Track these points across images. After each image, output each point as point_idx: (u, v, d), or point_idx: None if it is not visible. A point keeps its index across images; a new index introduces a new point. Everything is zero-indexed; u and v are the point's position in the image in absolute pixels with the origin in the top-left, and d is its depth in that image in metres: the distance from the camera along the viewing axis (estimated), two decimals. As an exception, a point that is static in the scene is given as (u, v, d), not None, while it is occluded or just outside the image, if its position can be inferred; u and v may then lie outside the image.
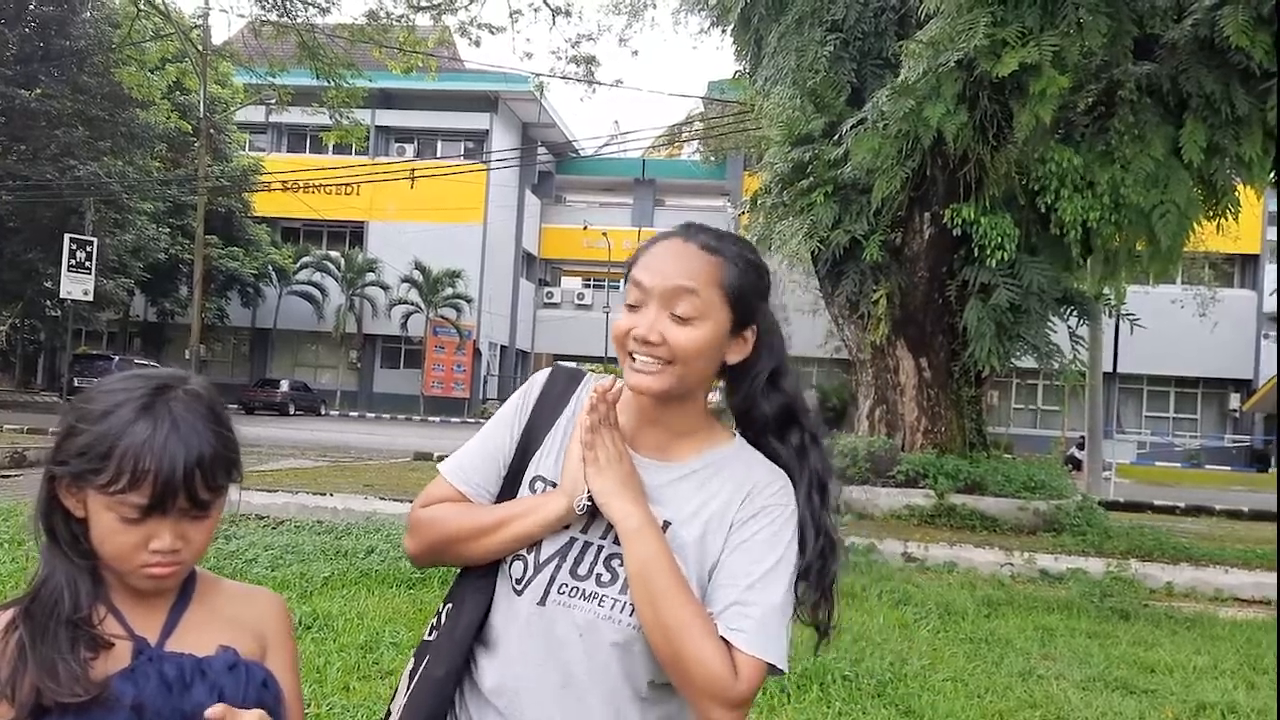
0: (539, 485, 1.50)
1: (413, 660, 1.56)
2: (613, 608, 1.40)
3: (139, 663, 1.27)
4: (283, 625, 1.43)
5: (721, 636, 1.35)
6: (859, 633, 6.15)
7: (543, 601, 1.42)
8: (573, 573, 1.43)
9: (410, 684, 1.52)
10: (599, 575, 1.42)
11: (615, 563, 1.42)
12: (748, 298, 1.46)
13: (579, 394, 1.57)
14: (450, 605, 1.54)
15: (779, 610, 1.39)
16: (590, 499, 1.42)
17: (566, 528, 1.45)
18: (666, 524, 1.43)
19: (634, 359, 1.43)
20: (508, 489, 1.53)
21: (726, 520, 1.44)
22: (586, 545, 1.44)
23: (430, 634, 1.56)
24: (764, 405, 1.52)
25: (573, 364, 1.67)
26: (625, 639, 1.40)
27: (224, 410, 1.33)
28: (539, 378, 1.61)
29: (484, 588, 1.50)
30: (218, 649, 1.31)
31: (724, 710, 1.32)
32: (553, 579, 1.43)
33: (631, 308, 1.45)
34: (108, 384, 1.30)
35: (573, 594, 1.41)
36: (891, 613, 6.84)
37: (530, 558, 1.44)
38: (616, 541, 1.41)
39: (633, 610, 1.38)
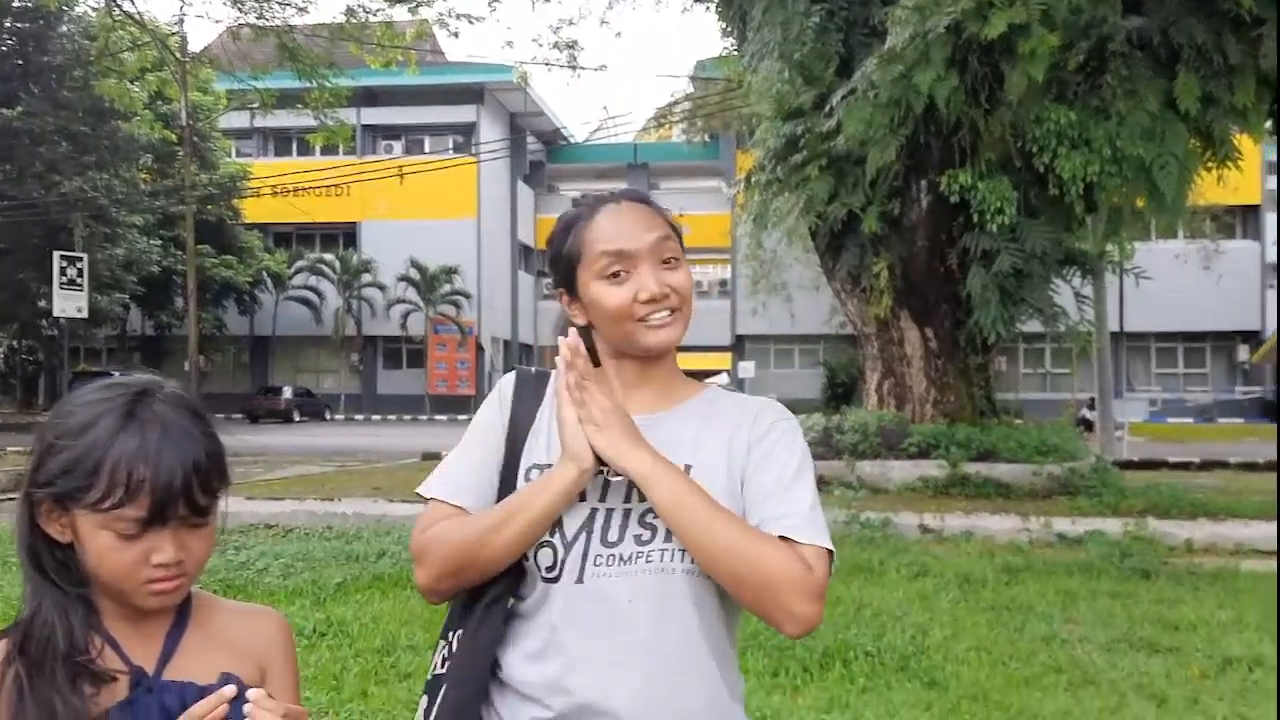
0: (535, 474, 1.46)
1: (425, 698, 1.47)
2: (662, 558, 1.37)
3: (137, 694, 1.20)
4: (284, 646, 1.37)
5: (780, 536, 1.35)
6: (879, 607, 6.09)
7: (580, 579, 1.38)
8: (604, 541, 1.39)
9: None
10: (638, 535, 1.39)
11: (650, 517, 1.39)
12: (680, 233, 1.53)
13: (553, 381, 1.53)
14: (460, 631, 1.46)
15: (816, 506, 1.42)
16: (604, 466, 1.39)
17: (583, 499, 1.41)
18: (687, 467, 1.42)
19: (645, 321, 1.44)
20: (505, 490, 1.47)
21: (741, 443, 1.45)
22: (610, 512, 1.41)
23: (441, 667, 1.47)
24: None
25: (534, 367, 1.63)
26: (679, 588, 1.37)
27: (207, 412, 1.27)
28: (507, 378, 1.60)
29: (500, 598, 1.44)
30: (220, 676, 1.22)
31: (809, 602, 1.32)
32: (586, 554, 1.39)
33: (615, 277, 1.45)
34: (82, 396, 1.23)
35: (611, 562, 1.38)
36: (911, 585, 6.78)
37: (556, 540, 1.39)
38: (642, 499, 1.39)
39: (683, 555, 1.36)
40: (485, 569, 1.41)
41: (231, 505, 8.99)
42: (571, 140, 46.57)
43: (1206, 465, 16.49)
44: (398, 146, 43.81)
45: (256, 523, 9.46)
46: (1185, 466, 16.44)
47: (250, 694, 1.14)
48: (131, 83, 25.73)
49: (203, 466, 1.19)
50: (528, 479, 1.46)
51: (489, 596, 1.44)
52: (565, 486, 1.38)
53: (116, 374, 1.30)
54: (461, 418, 38.41)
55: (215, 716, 1.14)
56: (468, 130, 43.99)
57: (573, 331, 1.49)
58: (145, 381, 1.25)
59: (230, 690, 1.14)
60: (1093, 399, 21.23)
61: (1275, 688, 4.66)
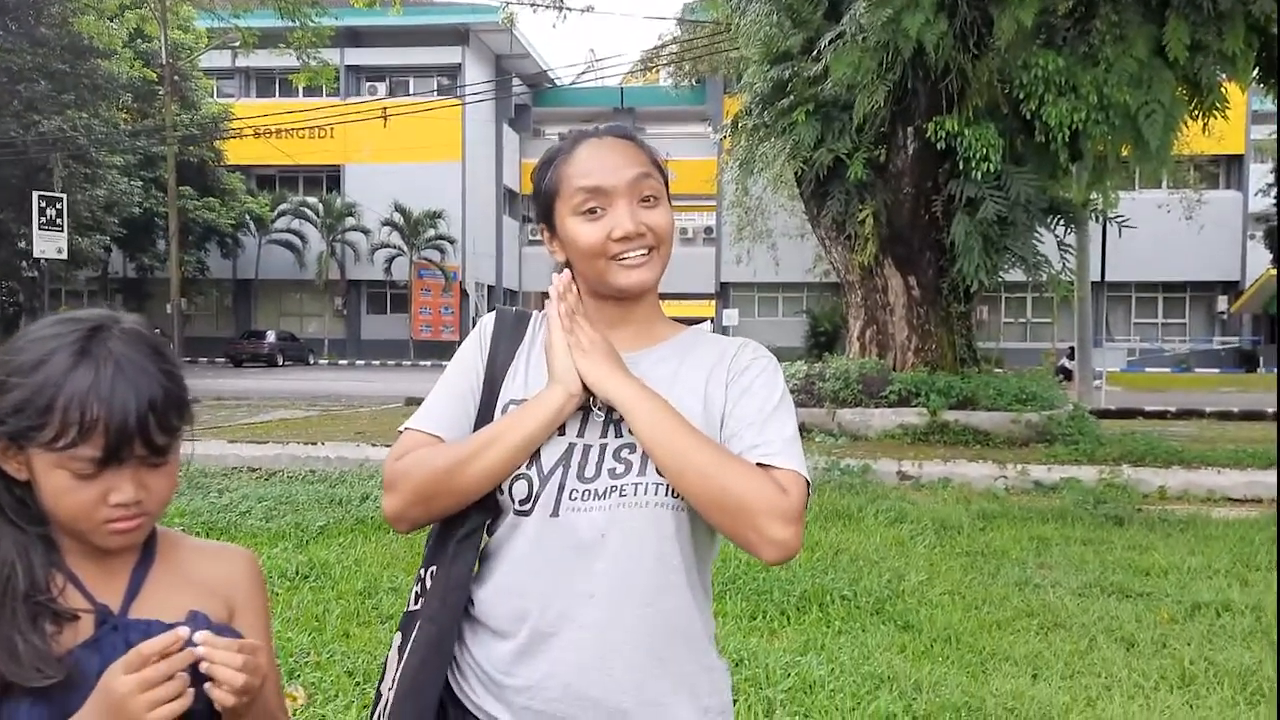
0: (512, 409, 1.45)
1: (399, 634, 1.48)
2: (635, 491, 1.37)
3: (103, 632, 1.17)
4: (253, 584, 1.34)
5: (757, 463, 1.36)
6: (856, 552, 6.17)
7: (556, 513, 1.37)
8: (580, 476, 1.38)
9: (402, 658, 1.45)
10: (612, 469, 1.39)
11: (625, 452, 1.39)
12: (665, 172, 1.52)
13: (533, 323, 1.55)
14: (434, 567, 1.46)
15: (795, 438, 1.42)
16: (590, 396, 1.40)
17: (562, 434, 1.41)
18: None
19: (619, 260, 1.43)
20: (481, 424, 1.46)
21: (721, 379, 1.46)
22: (588, 448, 1.41)
23: (415, 603, 1.48)
24: None
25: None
26: (651, 522, 1.37)
27: (166, 348, 1.23)
28: (488, 317, 1.58)
29: (473, 533, 1.44)
30: (187, 614, 1.20)
31: (784, 525, 1.31)
32: (562, 486, 1.38)
33: (591, 214, 1.43)
34: (35, 332, 1.18)
35: (586, 497, 1.37)
36: (888, 531, 6.87)
37: (532, 472, 1.39)
38: (619, 434, 1.40)
39: (658, 488, 1.36)
40: (459, 497, 1.40)
41: (214, 448, 9.04)
42: (558, 83, 45.92)
43: (1183, 414, 16.70)
44: (381, 88, 43.13)
45: (240, 466, 9.47)
46: (1161, 415, 16.64)
47: (198, 636, 1.11)
48: (110, 20, 25.23)
49: (159, 404, 1.15)
50: (505, 414, 1.45)
51: (462, 531, 1.44)
52: (551, 410, 1.38)
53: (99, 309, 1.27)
54: (445, 363, 37.72)
55: (173, 654, 1.10)
56: (453, 72, 43.33)
57: (566, 270, 1.48)
58: (100, 316, 1.20)
59: (184, 631, 1.10)
60: (1072, 348, 21.36)
61: (1239, 629, 4.77)
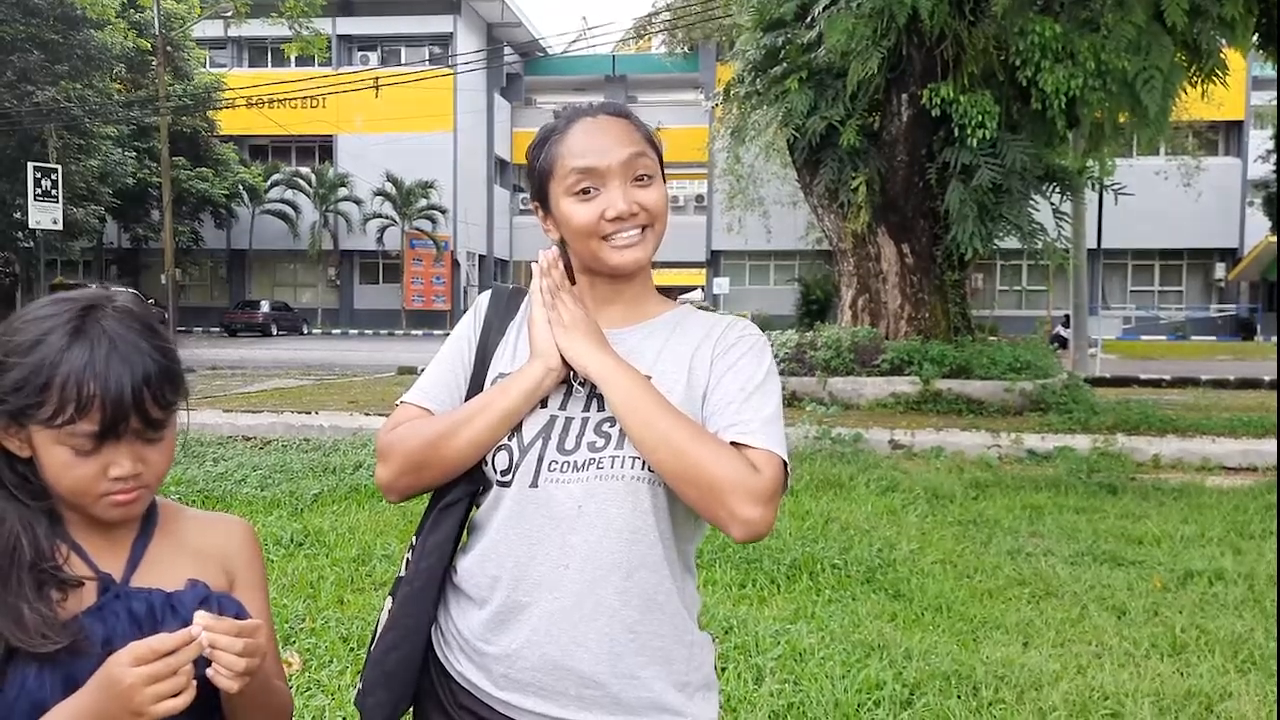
0: (500, 382, 1.48)
1: (389, 599, 1.53)
2: (612, 464, 1.38)
3: (106, 600, 1.21)
4: (250, 552, 1.38)
5: (732, 442, 1.36)
6: (847, 521, 6.18)
7: (535, 483, 1.39)
8: (560, 448, 1.40)
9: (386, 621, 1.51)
10: (591, 442, 1.40)
11: (606, 426, 1.41)
12: (660, 149, 1.52)
13: (527, 301, 1.56)
14: (419, 536, 1.51)
15: (776, 418, 1.41)
16: (573, 372, 1.42)
17: (544, 406, 1.43)
18: (647, 378, 1.42)
19: (611, 240, 1.44)
20: (472, 397, 1.49)
21: (706, 356, 1.46)
22: (569, 420, 1.43)
23: (404, 570, 1.53)
24: None
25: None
26: (629, 494, 1.38)
27: (160, 324, 1.26)
28: (483, 295, 1.63)
29: (455, 504, 1.48)
30: (187, 583, 1.26)
31: (754, 505, 1.30)
32: (541, 458, 1.40)
33: (585, 194, 1.44)
34: (31, 312, 1.22)
35: (565, 469, 1.39)
36: (879, 500, 6.88)
37: (513, 444, 1.41)
38: (601, 408, 1.41)
39: (634, 462, 1.37)
40: (446, 467, 1.44)
41: (210, 417, 9.05)
42: (549, 52, 45.54)
43: (1178, 382, 16.69)
44: (373, 58, 42.75)
45: (234, 435, 9.46)
46: (1157, 384, 16.64)
47: (199, 619, 1.14)
48: (103, -10, 24.96)
49: (154, 379, 1.18)
50: (492, 387, 1.48)
51: (445, 500, 1.48)
52: (530, 383, 1.41)
53: (94, 287, 1.30)
54: (437, 332, 38.35)
55: (181, 649, 1.12)
56: (444, 41, 42.92)
57: (555, 247, 1.51)
58: (95, 295, 1.23)
59: (197, 631, 1.13)
60: (1068, 316, 21.36)
61: (1231, 597, 4.79)
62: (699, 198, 43.85)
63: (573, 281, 1.52)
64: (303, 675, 3.70)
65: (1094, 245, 18.84)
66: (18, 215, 27.54)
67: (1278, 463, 7.96)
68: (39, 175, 21.47)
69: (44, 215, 21.51)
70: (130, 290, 1.28)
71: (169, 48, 30.12)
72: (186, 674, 1.12)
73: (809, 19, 11.02)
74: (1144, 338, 35.69)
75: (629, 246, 1.45)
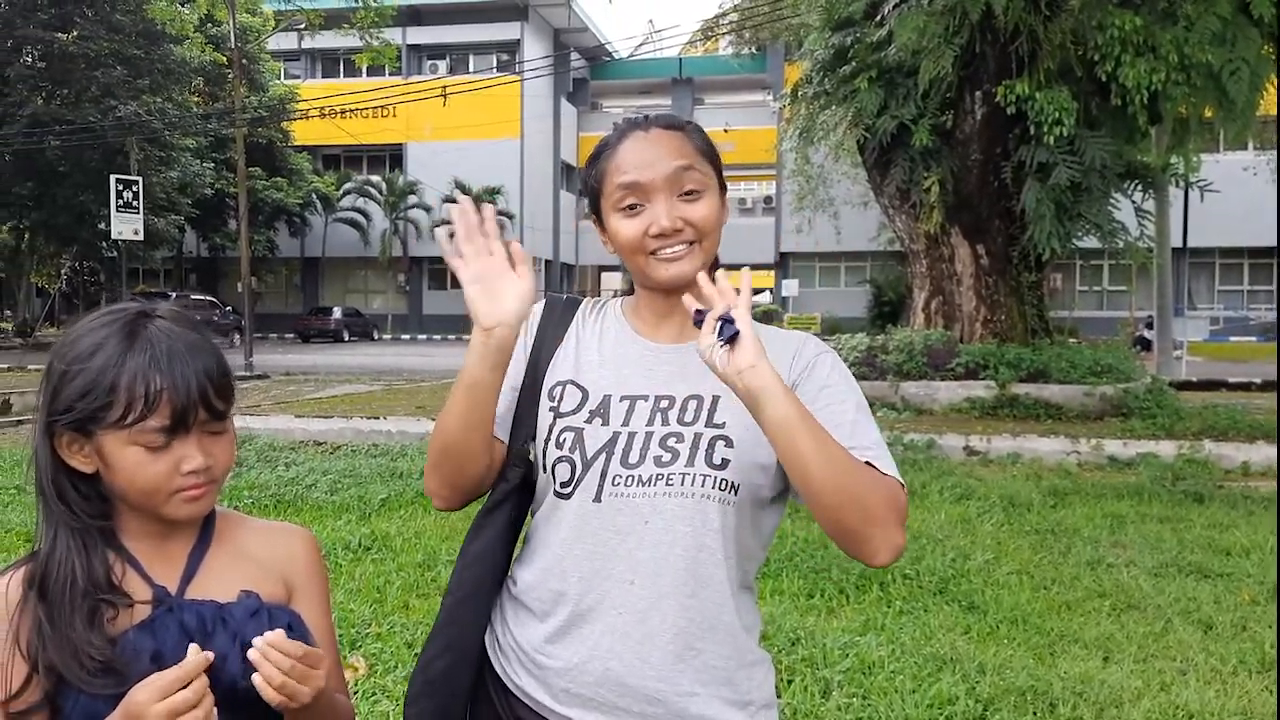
0: (558, 390, 1.48)
1: (441, 614, 1.53)
2: (682, 481, 1.36)
3: (158, 614, 1.22)
4: (311, 563, 1.38)
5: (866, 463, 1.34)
6: (919, 530, 6.04)
7: (598, 498, 1.39)
8: (624, 463, 1.39)
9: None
10: (657, 457, 1.38)
11: (672, 441, 1.39)
12: (718, 159, 1.50)
13: (583, 307, 1.58)
14: (464, 544, 1.52)
15: (882, 440, 1.40)
16: (721, 333, 1.28)
17: (606, 423, 1.42)
18: (716, 398, 1.40)
19: (657, 255, 1.43)
20: (524, 409, 1.49)
21: (783, 374, 1.34)
22: (633, 435, 1.41)
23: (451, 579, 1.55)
24: None
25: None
26: (697, 512, 1.36)
27: (205, 327, 1.29)
28: (536, 306, 1.59)
29: (493, 509, 1.48)
30: (239, 594, 1.26)
31: (900, 528, 1.30)
32: (605, 472, 1.39)
33: (631, 210, 1.44)
34: (82, 327, 1.25)
35: (630, 483, 1.38)
36: (953, 509, 6.71)
37: (575, 456, 1.41)
38: (666, 423, 1.40)
39: (705, 480, 1.35)
40: (454, 456, 1.42)
41: (281, 423, 9.25)
42: (616, 56, 45.68)
43: (1268, 385, 16.04)
44: (442, 66, 43.43)
45: (306, 440, 9.64)
46: (1246, 387, 16.03)
47: (256, 642, 1.15)
48: (182, 5, 25.73)
49: (214, 372, 1.22)
50: (550, 396, 1.47)
51: (485, 506, 1.49)
52: (474, 350, 1.40)
53: (174, 295, 1.31)
54: (508, 338, 38.54)
55: (191, 679, 1.12)
56: (512, 48, 43.41)
57: (462, 197, 1.45)
58: (139, 305, 1.27)
59: (199, 658, 1.12)
60: (1151, 317, 20.73)
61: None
62: (767, 199, 43.58)
63: (630, 291, 1.53)
64: (368, 680, 3.72)
65: (1179, 244, 18.26)
66: (102, 226, 28.48)
67: (1278, 462, 7.63)
68: (121, 187, 22.19)
69: (126, 226, 22.21)
70: (168, 303, 1.31)
71: (245, 61, 30.89)
72: (206, 706, 1.12)
73: (878, 17, 10.85)
74: (1232, 339, 34.46)
75: (674, 260, 1.43)
